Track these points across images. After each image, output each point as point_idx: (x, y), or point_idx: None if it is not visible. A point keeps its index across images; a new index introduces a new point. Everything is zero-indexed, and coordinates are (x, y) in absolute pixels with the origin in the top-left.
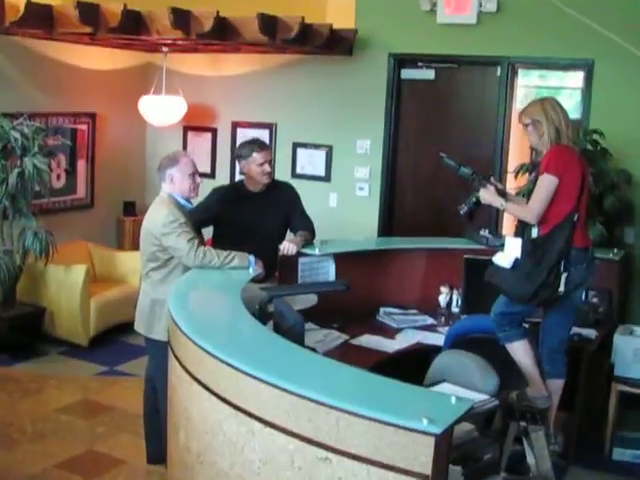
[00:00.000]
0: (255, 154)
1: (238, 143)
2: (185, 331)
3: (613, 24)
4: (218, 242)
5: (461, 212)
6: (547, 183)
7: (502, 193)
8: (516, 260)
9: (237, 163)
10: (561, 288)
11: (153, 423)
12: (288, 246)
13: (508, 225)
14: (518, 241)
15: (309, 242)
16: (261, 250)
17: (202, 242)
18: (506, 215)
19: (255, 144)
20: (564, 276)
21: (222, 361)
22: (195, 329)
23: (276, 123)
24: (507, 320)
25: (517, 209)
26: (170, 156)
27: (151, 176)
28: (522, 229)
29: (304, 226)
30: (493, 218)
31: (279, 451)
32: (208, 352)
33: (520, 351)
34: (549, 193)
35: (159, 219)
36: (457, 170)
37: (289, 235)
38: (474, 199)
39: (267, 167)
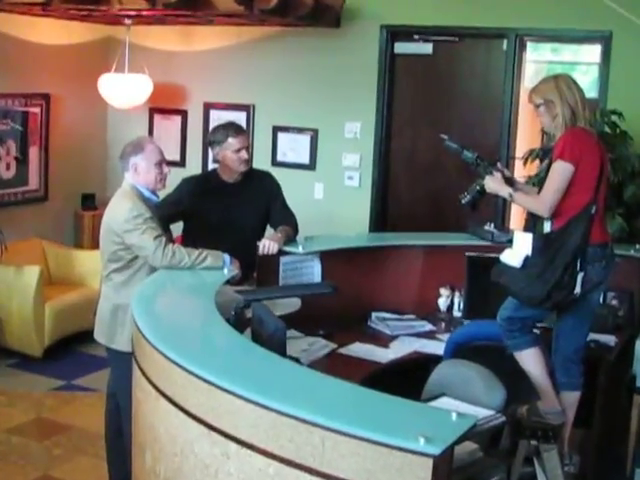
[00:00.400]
0: (231, 139)
1: (211, 127)
2: (151, 340)
3: None
4: (188, 239)
5: (463, 201)
6: (562, 171)
7: (510, 181)
8: (526, 258)
9: (210, 150)
10: (577, 289)
11: (116, 444)
12: (268, 244)
13: (517, 218)
14: (528, 236)
15: (291, 239)
16: (237, 248)
17: (170, 240)
18: (514, 207)
19: (230, 128)
20: (580, 276)
21: (193, 374)
22: (162, 338)
23: (254, 104)
24: (516, 326)
25: (527, 200)
26: (134, 143)
27: (113, 165)
28: (533, 223)
29: (286, 221)
30: (499, 210)
31: (257, 475)
32: (177, 364)
33: (530, 360)
34: (564, 182)
35: (121, 214)
36: (460, 154)
37: (269, 231)
38: (478, 187)
39: (244, 154)
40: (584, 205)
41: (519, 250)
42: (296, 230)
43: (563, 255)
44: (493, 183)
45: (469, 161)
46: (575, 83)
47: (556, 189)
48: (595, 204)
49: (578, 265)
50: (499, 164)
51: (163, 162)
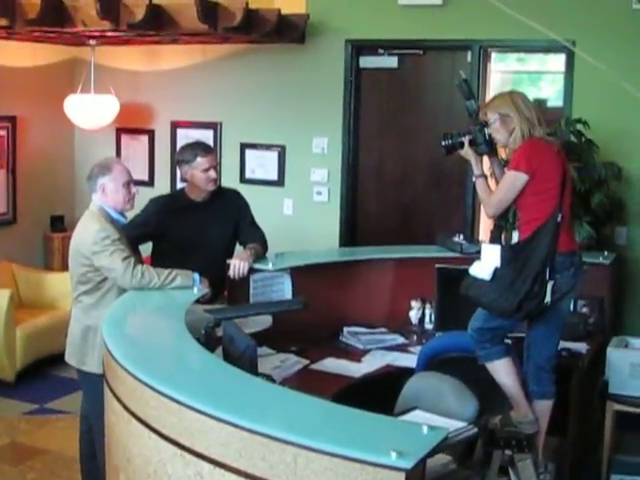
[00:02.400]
0: (199, 159)
1: (179, 146)
2: (121, 362)
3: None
4: (158, 260)
5: (442, 143)
6: (512, 180)
7: (496, 153)
8: (495, 270)
9: (178, 169)
10: (547, 298)
11: (90, 466)
12: (238, 265)
13: (485, 229)
14: (496, 248)
15: (261, 256)
16: (207, 267)
17: (139, 261)
18: (483, 218)
19: (199, 147)
20: (550, 284)
21: (164, 395)
22: (133, 359)
23: (221, 122)
24: (487, 337)
25: (484, 193)
26: (102, 164)
27: (81, 186)
28: (498, 233)
29: (255, 238)
30: (468, 222)
31: None
32: (148, 385)
33: (502, 371)
34: (512, 192)
35: (89, 236)
36: (465, 99)
37: (238, 249)
38: (461, 139)
39: (213, 173)
40: (549, 214)
41: (488, 262)
42: (265, 247)
43: (532, 265)
44: (468, 154)
45: (469, 111)
46: (528, 99)
47: (501, 198)
48: (560, 212)
49: (547, 274)
50: None
51: (131, 183)
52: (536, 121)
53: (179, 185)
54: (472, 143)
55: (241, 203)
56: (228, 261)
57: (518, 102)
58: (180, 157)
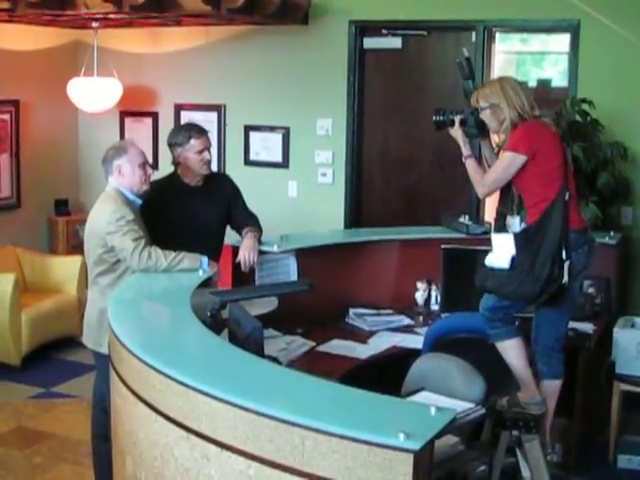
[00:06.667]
0: (193, 141)
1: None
2: (127, 344)
3: None
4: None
5: (433, 118)
6: (510, 161)
7: (487, 134)
8: (513, 258)
9: (171, 152)
10: (565, 278)
11: (101, 448)
12: (247, 256)
13: (491, 210)
14: (509, 237)
15: (259, 239)
16: (204, 251)
17: (150, 242)
18: (487, 200)
19: (192, 129)
20: (567, 264)
21: (170, 377)
22: (138, 342)
23: (225, 104)
24: (499, 315)
25: (475, 172)
26: (116, 146)
27: (85, 170)
28: (503, 222)
29: (249, 222)
30: (474, 202)
31: (238, 477)
32: (154, 368)
33: (511, 351)
34: (510, 172)
35: (104, 216)
36: (464, 78)
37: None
38: (453, 118)
39: (207, 155)
40: (556, 193)
41: (503, 252)
42: (261, 230)
43: (547, 247)
44: (456, 133)
45: (465, 91)
46: (520, 85)
47: (497, 177)
48: (567, 190)
49: (564, 254)
50: None
51: (146, 163)
52: (527, 106)
53: None
54: (463, 123)
55: (233, 187)
56: (237, 259)
57: (508, 92)
58: (173, 140)
